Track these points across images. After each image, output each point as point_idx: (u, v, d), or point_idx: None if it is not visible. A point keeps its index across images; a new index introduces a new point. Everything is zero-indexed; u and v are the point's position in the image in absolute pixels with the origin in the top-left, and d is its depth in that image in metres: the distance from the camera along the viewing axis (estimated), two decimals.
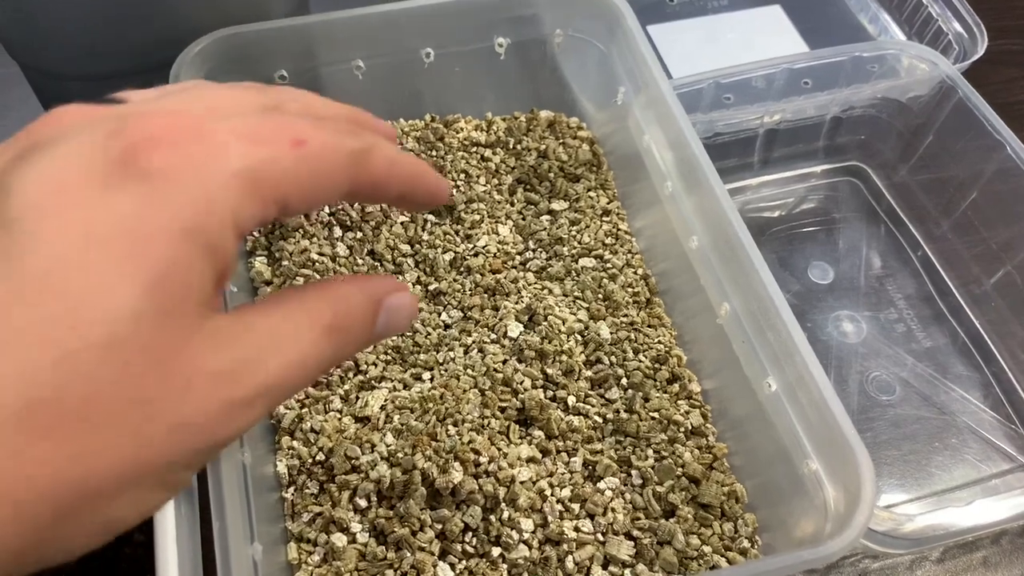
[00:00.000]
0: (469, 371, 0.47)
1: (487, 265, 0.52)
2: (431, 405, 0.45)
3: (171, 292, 0.21)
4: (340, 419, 0.46)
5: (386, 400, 0.46)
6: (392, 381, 0.47)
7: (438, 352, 0.48)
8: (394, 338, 0.49)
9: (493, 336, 0.49)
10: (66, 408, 0.20)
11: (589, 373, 0.48)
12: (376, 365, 0.48)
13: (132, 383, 0.21)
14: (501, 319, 0.49)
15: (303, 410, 0.46)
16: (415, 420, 0.45)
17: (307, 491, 0.44)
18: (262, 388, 0.24)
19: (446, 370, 0.47)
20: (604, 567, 0.42)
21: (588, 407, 0.46)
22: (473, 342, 0.48)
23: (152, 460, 0.22)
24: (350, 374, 0.47)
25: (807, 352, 0.39)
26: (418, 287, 0.51)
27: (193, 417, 0.22)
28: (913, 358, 0.55)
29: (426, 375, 0.47)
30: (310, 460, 0.44)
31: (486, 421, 0.45)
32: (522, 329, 0.49)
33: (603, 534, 0.43)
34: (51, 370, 0.20)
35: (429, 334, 0.49)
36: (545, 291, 0.51)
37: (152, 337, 0.21)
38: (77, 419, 0.20)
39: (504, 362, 0.48)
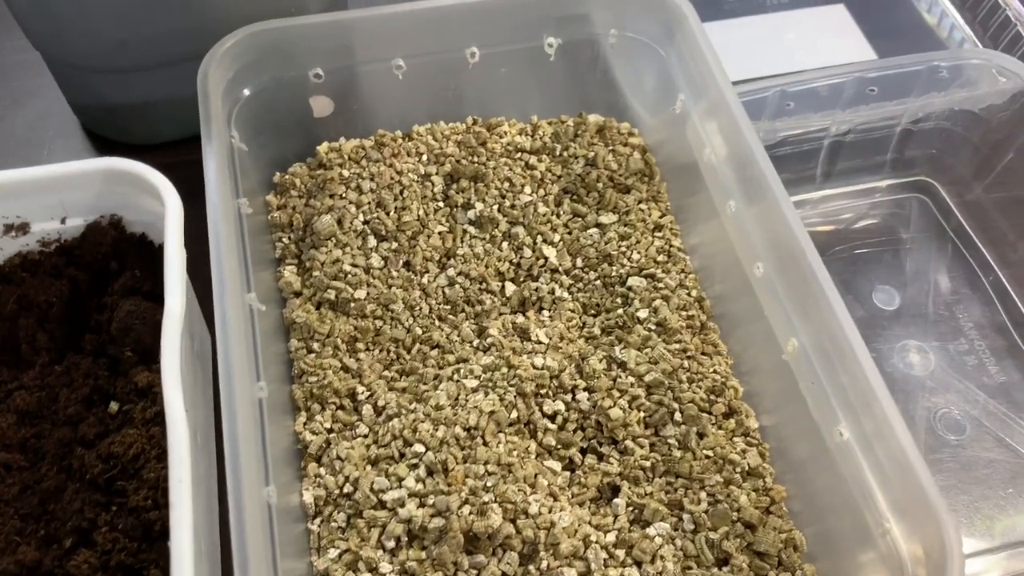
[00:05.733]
0: (505, 397, 0.44)
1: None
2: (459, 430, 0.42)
3: None
4: (367, 447, 0.43)
5: (413, 429, 0.43)
6: (424, 405, 0.44)
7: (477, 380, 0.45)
8: (425, 363, 0.46)
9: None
10: None
11: (647, 404, 0.44)
12: (402, 392, 0.45)
13: None
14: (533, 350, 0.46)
15: (331, 435, 0.44)
16: (447, 451, 0.41)
17: (333, 524, 0.41)
18: None
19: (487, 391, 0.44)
20: None
21: (636, 447, 0.43)
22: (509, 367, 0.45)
23: None
24: (378, 403, 0.44)
25: (887, 402, 0.36)
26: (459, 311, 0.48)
27: None
28: (985, 394, 0.51)
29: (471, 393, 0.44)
30: (337, 491, 0.41)
31: (521, 456, 0.42)
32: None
33: None
34: None
35: (468, 357, 0.46)
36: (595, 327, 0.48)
37: None
38: None
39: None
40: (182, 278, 0.38)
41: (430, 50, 0.50)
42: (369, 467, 0.42)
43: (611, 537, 0.41)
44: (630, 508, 0.42)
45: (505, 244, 0.51)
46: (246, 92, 0.47)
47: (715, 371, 0.46)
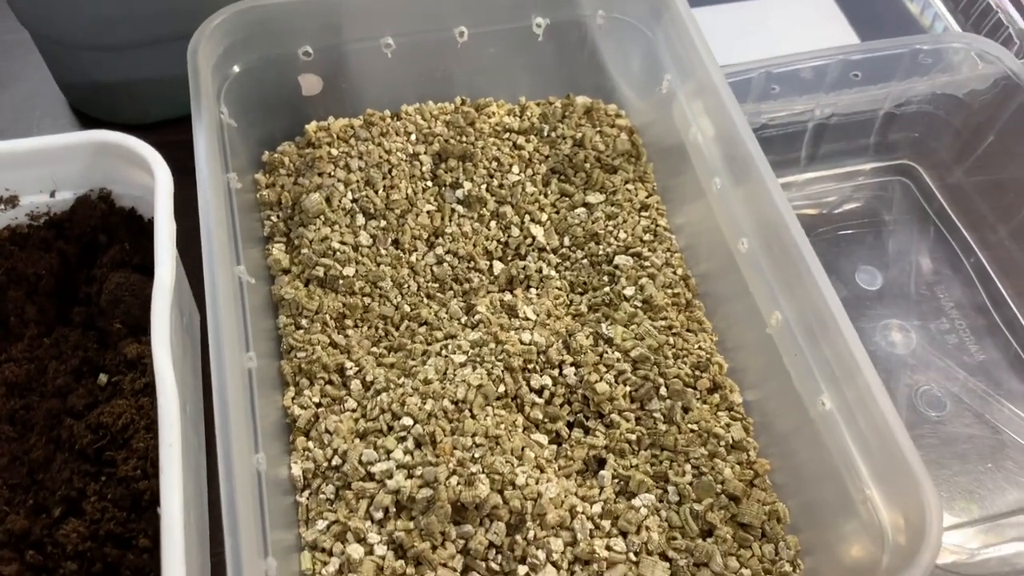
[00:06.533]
0: (492, 372, 0.44)
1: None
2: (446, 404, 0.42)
3: None
4: (356, 421, 0.43)
5: (402, 402, 0.43)
6: (413, 380, 0.44)
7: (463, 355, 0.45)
8: (412, 340, 0.46)
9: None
10: None
11: (633, 378, 0.44)
12: (390, 368, 0.45)
13: None
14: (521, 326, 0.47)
15: (319, 409, 0.44)
16: (436, 424, 0.42)
17: (322, 496, 0.41)
18: None
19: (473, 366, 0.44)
20: None
21: (622, 421, 0.44)
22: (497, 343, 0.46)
23: None
24: (367, 378, 0.45)
25: (869, 372, 0.36)
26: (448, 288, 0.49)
27: None
28: (965, 372, 0.52)
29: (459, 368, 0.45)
30: (325, 464, 0.42)
31: (509, 429, 0.43)
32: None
33: (636, 553, 0.40)
34: None
35: (454, 333, 0.46)
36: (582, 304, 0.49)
37: None
38: None
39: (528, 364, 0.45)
40: (172, 249, 0.38)
41: (419, 29, 0.50)
42: (357, 440, 0.42)
43: (597, 508, 0.41)
44: (616, 480, 0.42)
45: (493, 223, 0.51)
46: (235, 69, 0.47)
47: (700, 347, 0.47)
